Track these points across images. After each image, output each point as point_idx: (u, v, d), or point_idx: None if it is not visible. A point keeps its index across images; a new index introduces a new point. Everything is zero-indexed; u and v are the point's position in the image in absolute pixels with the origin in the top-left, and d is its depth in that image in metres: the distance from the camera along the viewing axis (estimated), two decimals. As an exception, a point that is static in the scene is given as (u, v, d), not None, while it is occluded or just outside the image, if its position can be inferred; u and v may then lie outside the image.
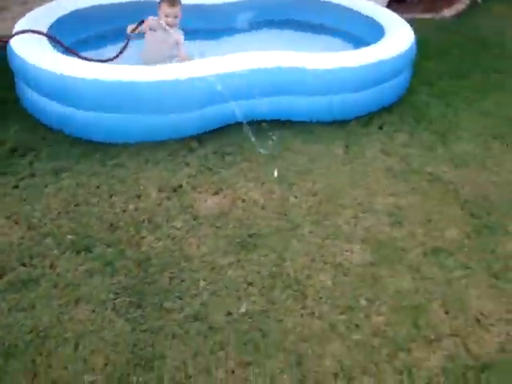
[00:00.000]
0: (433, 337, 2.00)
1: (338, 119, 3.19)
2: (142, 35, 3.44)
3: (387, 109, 3.36)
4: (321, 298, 2.12)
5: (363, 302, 2.11)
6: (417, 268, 2.26)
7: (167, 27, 3.30)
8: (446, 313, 2.10)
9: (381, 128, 3.20)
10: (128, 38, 3.35)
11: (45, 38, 3.16)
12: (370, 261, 2.29)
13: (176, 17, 3.31)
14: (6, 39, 3.17)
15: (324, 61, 3.02)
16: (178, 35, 3.40)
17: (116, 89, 2.80)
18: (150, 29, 3.37)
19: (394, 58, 3.14)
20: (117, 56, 3.22)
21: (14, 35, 3.15)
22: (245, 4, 4.24)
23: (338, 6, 4.08)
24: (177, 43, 3.40)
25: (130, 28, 3.40)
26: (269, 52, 3.06)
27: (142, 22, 3.35)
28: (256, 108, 3.05)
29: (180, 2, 3.33)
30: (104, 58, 3.15)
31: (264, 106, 3.06)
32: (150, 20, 3.35)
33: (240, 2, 4.23)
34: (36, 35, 3.15)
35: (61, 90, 2.87)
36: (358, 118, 3.24)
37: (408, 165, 2.89)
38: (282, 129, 3.09)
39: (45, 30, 3.22)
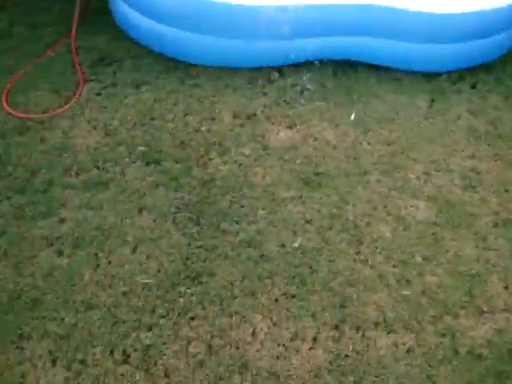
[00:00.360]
0: (485, 308, 1.93)
1: (427, 71, 2.98)
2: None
3: (484, 67, 3.07)
4: (376, 247, 2.09)
5: (419, 259, 2.06)
6: (483, 237, 2.15)
7: None
8: (505, 287, 2.01)
9: (473, 87, 2.94)
10: None
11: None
12: (434, 220, 2.20)
13: None
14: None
15: (424, 4, 2.79)
16: None
17: (208, 9, 2.75)
18: None
19: (502, 8, 2.83)
20: None
21: None
22: None
23: None
24: None
25: None
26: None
27: None
28: (344, 47, 2.92)
29: None
30: None
31: (353, 47, 2.91)
32: None
33: None
34: None
35: (152, 6, 2.88)
36: (449, 73, 3.01)
37: (495, 128, 2.68)
38: (369, 73, 2.95)
39: None
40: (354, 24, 2.83)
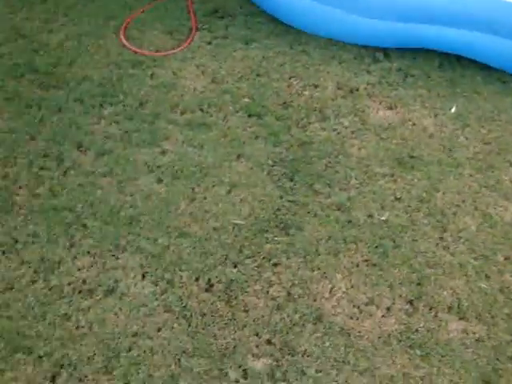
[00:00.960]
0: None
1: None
2: None
3: None
4: (460, 237, 2.11)
5: (500, 258, 2.07)
6: None
7: None
8: None
9: None
10: None
11: None
12: (523, 223, 2.20)
13: None
14: None
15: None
16: None
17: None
18: None
19: None
20: None
21: None
22: None
23: None
24: None
25: None
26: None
27: None
28: (456, 41, 2.88)
29: None
30: None
31: (465, 42, 2.87)
32: None
33: None
34: None
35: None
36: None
37: None
38: (475, 69, 2.92)
39: None
40: (474, 18, 2.80)
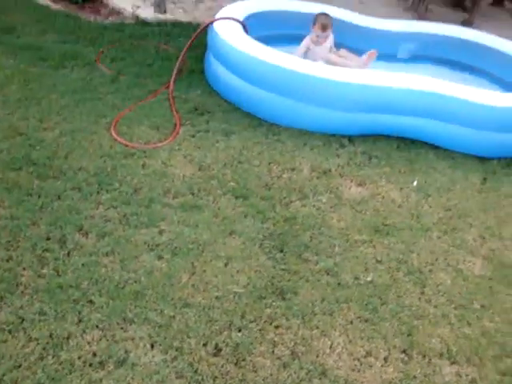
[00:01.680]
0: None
1: (480, 155, 3.37)
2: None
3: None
4: (439, 291, 2.34)
5: (477, 306, 2.30)
6: (537, 294, 2.40)
7: (319, 42, 3.75)
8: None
9: (522, 173, 3.33)
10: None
11: (239, 28, 3.71)
12: (490, 276, 2.47)
13: (326, 37, 3.74)
14: (208, 23, 3.78)
15: (483, 97, 3.23)
16: (331, 39, 3.85)
17: (292, 77, 3.23)
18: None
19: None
20: None
21: (217, 20, 3.75)
22: (407, 36, 4.56)
23: (503, 54, 4.26)
24: (330, 47, 3.88)
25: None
26: (431, 78, 3.34)
27: None
28: (407, 127, 3.35)
29: (330, 23, 3.71)
30: None
31: (416, 127, 3.34)
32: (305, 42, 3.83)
33: (404, 33, 4.56)
34: (232, 22, 3.72)
35: (246, 69, 3.38)
36: (499, 159, 3.40)
37: (545, 209, 3.01)
38: (427, 149, 3.35)
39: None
40: (417, 107, 3.28)
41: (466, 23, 5.70)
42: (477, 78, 4.31)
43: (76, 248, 2.32)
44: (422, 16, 5.97)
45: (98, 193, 2.65)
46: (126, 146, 3.00)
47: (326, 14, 3.80)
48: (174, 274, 2.26)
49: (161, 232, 2.47)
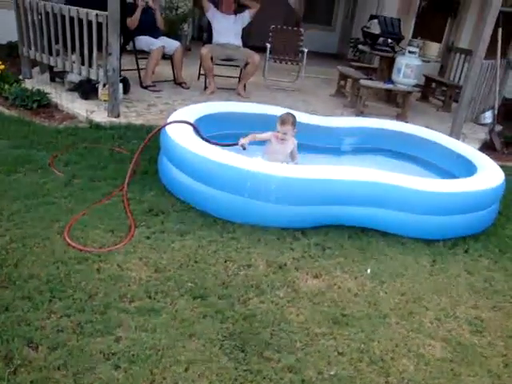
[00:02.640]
0: None
1: (427, 238, 3.54)
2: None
3: (473, 237, 3.68)
4: (403, 378, 2.33)
5: (442, 393, 2.30)
6: (497, 375, 2.42)
7: (280, 140, 3.96)
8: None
9: (466, 251, 3.51)
10: (235, 144, 3.99)
11: (190, 130, 3.90)
12: (450, 358, 2.49)
13: (285, 133, 3.93)
14: (162, 125, 3.96)
15: (424, 184, 3.46)
16: (293, 143, 4.04)
17: (244, 176, 3.36)
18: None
19: (485, 190, 3.54)
20: (224, 145, 3.93)
21: (169, 123, 3.93)
22: (351, 130, 4.92)
23: (434, 143, 4.65)
24: (291, 152, 4.06)
25: (241, 142, 3.97)
26: (375, 170, 3.56)
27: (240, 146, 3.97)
28: (357, 216, 3.50)
29: (291, 122, 3.90)
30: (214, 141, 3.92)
31: (365, 216, 3.50)
32: (257, 136, 4.04)
33: (347, 128, 4.92)
34: (183, 126, 3.91)
35: (199, 170, 3.50)
36: (445, 240, 3.58)
37: (491, 285, 3.14)
38: (378, 237, 3.50)
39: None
40: (364, 197, 3.45)
41: (400, 117, 6.21)
42: (414, 165, 4.64)
43: (24, 364, 2.19)
44: (359, 111, 6.47)
45: (50, 301, 2.56)
46: (80, 250, 2.96)
47: (289, 113, 4.01)
48: (131, 385, 2.16)
49: (117, 339, 2.38)
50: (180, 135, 3.73)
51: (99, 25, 4.92)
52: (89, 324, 2.43)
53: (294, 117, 3.97)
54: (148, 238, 3.18)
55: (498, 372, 2.45)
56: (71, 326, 2.41)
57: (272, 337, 2.49)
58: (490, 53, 6.01)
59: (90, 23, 5.02)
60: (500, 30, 6.13)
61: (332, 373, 2.31)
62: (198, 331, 2.47)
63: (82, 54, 5.30)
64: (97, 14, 4.89)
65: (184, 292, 2.73)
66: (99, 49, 5.10)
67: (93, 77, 5.34)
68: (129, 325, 2.46)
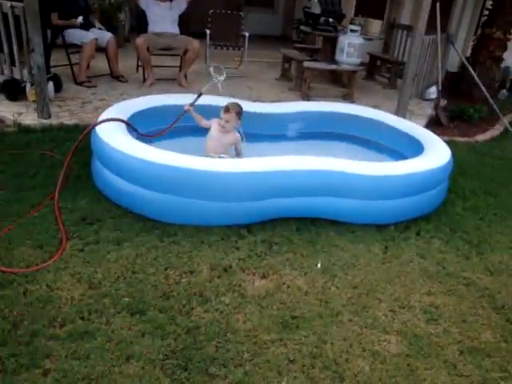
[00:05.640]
0: None
1: (378, 223, 3.43)
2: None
3: (424, 218, 3.61)
4: (358, 381, 2.20)
5: (399, 392, 2.18)
6: (453, 364, 2.33)
7: (220, 128, 3.76)
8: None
9: (418, 234, 3.42)
10: (184, 111, 3.96)
11: (123, 128, 3.63)
12: (406, 352, 2.38)
13: (227, 121, 3.74)
14: (92, 126, 3.66)
15: (370, 168, 3.34)
16: (234, 137, 3.84)
17: (179, 175, 3.12)
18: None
19: (433, 170, 3.45)
20: (170, 127, 3.96)
21: (99, 123, 3.64)
22: (295, 116, 4.75)
23: (381, 123, 4.54)
24: (233, 144, 3.86)
25: (187, 106, 3.93)
26: (319, 157, 3.40)
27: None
28: (304, 206, 3.34)
29: (235, 111, 3.73)
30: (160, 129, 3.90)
31: (312, 205, 3.35)
32: (203, 120, 3.94)
33: (292, 113, 4.74)
34: (115, 124, 3.64)
35: (132, 171, 3.24)
36: (396, 224, 3.48)
37: (444, 268, 3.06)
38: (327, 227, 3.35)
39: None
40: (309, 186, 3.30)
41: (347, 97, 6.10)
42: (365, 148, 4.53)
43: None
44: (305, 94, 6.31)
45: (-34, 340, 2.28)
46: (4, 272, 2.67)
47: (236, 103, 3.85)
48: (61, 426, 1.93)
49: (45, 372, 2.13)
50: (110, 135, 3.46)
51: (18, 18, 4.52)
52: (12, 359, 2.17)
53: (240, 107, 3.80)
54: (81, 250, 2.92)
55: (454, 361, 2.36)
56: (-8, 366, 2.15)
57: (217, 350, 2.30)
58: (431, 28, 5.95)
59: (5, 16, 4.60)
60: (438, 4, 6.07)
61: (283, 384, 2.15)
62: (137, 352, 2.26)
63: (1, 51, 4.88)
64: (12, 6, 4.47)
65: (121, 309, 2.50)
66: (20, 45, 4.70)
67: (17, 76, 4.94)
68: (58, 354, 2.22)
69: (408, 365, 2.31)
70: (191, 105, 3.94)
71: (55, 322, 2.40)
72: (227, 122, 3.72)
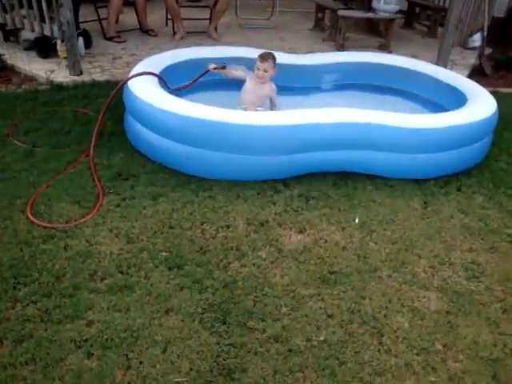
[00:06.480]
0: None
1: (418, 178, 3.32)
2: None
3: (466, 172, 3.47)
4: (397, 337, 2.18)
5: (439, 347, 2.15)
6: (495, 322, 2.28)
7: (257, 79, 3.66)
8: (526, 371, 2.09)
9: (459, 190, 3.30)
10: (206, 71, 3.92)
11: (156, 82, 3.57)
12: (447, 309, 2.34)
13: (265, 71, 3.64)
14: (123, 81, 3.62)
15: (409, 121, 3.20)
16: (271, 88, 3.74)
17: (214, 129, 3.07)
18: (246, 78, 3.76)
19: (477, 122, 3.28)
20: (192, 82, 3.93)
21: (131, 77, 3.59)
22: (330, 67, 4.57)
23: (420, 73, 4.33)
24: (269, 95, 3.76)
25: (212, 66, 3.88)
26: (357, 109, 3.28)
27: (224, 67, 3.87)
28: (341, 160, 3.26)
29: (271, 59, 3.64)
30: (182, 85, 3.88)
31: (349, 159, 3.26)
32: (233, 70, 3.85)
33: (326, 65, 4.57)
34: (147, 78, 3.58)
35: (166, 125, 3.21)
36: (436, 179, 3.36)
37: (486, 225, 2.96)
38: (365, 181, 3.27)
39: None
40: (347, 139, 3.20)
41: (383, 47, 5.83)
42: (404, 100, 4.35)
43: (-14, 363, 2.02)
44: (339, 45, 6.07)
45: (14, 288, 2.35)
46: (45, 227, 2.73)
47: (269, 52, 3.74)
48: (106, 373, 1.99)
49: (89, 323, 2.20)
50: (143, 89, 3.41)
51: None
52: (57, 310, 2.24)
53: (274, 56, 3.69)
54: (118, 205, 2.94)
55: (497, 319, 2.30)
56: (38, 314, 2.22)
57: (255, 304, 2.31)
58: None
59: (33, -29, 4.53)
60: None
61: (321, 338, 2.15)
62: (176, 306, 2.29)
63: (31, 8, 4.83)
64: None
65: (158, 263, 2.53)
66: (49, 1, 4.64)
67: (47, 33, 4.89)
68: (100, 306, 2.28)
69: (448, 322, 2.27)
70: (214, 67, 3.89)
71: (96, 275, 2.45)
72: (265, 71, 3.63)
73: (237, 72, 3.84)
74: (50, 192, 3.02)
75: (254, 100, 3.72)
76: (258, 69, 3.63)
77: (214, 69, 3.88)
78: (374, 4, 6.14)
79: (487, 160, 3.67)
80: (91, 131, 3.58)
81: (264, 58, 3.63)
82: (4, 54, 5.15)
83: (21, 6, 4.95)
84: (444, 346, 2.15)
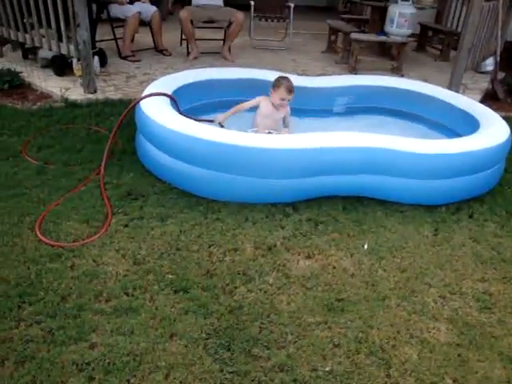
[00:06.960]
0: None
1: (429, 204, 3.28)
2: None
3: (478, 199, 3.42)
4: (405, 370, 2.12)
5: (449, 382, 2.09)
6: (508, 357, 2.21)
7: (278, 106, 3.66)
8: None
9: (471, 216, 3.25)
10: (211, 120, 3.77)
11: (168, 103, 3.59)
12: (457, 342, 2.27)
13: (289, 100, 3.66)
14: (136, 101, 3.65)
15: (421, 146, 3.17)
16: (285, 110, 3.76)
17: (225, 151, 3.07)
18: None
19: (490, 148, 3.24)
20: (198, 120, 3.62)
21: (143, 98, 3.62)
22: (342, 90, 4.57)
23: (432, 98, 4.31)
24: (284, 118, 3.78)
25: (218, 118, 3.75)
26: (368, 134, 3.26)
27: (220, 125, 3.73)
28: (351, 184, 3.23)
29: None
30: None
31: (359, 184, 3.23)
32: (245, 104, 3.76)
33: (338, 88, 4.57)
34: (159, 98, 3.61)
35: (176, 146, 3.22)
36: (448, 205, 3.32)
37: (499, 254, 2.90)
38: (375, 206, 3.23)
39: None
40: (358, 164, 3.17)
41: (395, 70, 5.83)
42: (414, 125, 4.33)
43: (-12, 386, 2.00)
44: (352, 68, 6.09)
45: (19, 307, 2.34)
46: (52, 246, 2.73)
47: (289, 80, 3.68)
48: (107, 399, 1.96)
49: (92, 346, 2.17)
50: (155, 110, 3.43)
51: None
52: (61, 331, 2.22)
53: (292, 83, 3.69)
54: (126, 226, 2.94)
55: (510, 353, 2.23)
56: (41, 335, 2.20)
57: (261, 331, 2.27)
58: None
59: (52, -8, 4.63)
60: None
61: (327, 369, 2.10)
62: (180, 330, 2.26)
63: (50, 27, 4.93)
64: (58, -18, 4.49)
65: (164, 286, 2.51)
66: (67, 21, 4.73)
67: (63, 51, 4.98)
68: (104, 328, 2.25)
69: (459, 355, 2.20)
70: (220, 124, 3.73)
71: (101, 296, 2.43)
72: (289, 101, 3.65)
73: (250, 103, 3.78)
74: (60, 210, 3.03)
75: (270, 124, 3.73)
76: (283, 99, 3.62)
77: (219, 122, 3.74)
78: (387, 28, 6.18)
79: (500, 186, 3.62)
80: (103, 149, 3.61)
81: (292, 91, 3.61)
82: (22, 72, 5.24)
83: (40, 26, 5.06)
84: (454, 381, 2.09)
